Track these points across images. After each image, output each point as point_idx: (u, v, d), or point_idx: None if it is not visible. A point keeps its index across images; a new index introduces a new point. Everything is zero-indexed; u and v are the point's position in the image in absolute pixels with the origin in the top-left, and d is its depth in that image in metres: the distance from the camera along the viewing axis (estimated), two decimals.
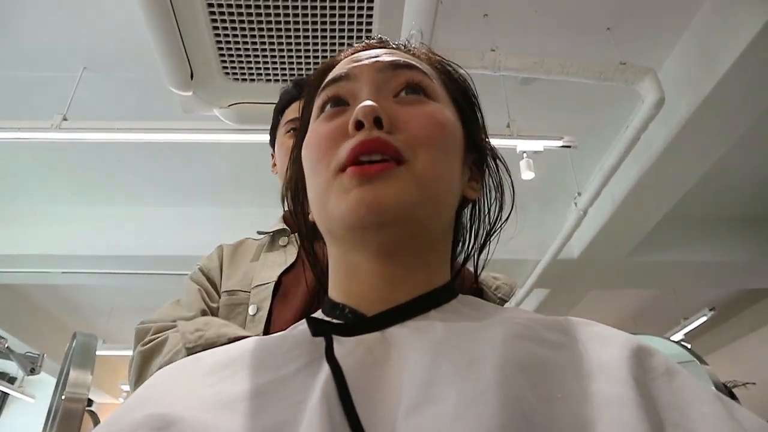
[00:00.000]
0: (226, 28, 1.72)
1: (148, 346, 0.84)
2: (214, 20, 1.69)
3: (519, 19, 2.52)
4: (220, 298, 0.96)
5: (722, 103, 2.51)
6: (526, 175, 2.53)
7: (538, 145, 2.47)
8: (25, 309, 5.36)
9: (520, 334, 0.41)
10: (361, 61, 0.54)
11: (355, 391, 0.37)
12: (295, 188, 0.62)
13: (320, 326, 0.45)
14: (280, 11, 1.68)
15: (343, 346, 0.43)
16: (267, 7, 1.67)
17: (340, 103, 0.53)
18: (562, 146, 2.46)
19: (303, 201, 0.60)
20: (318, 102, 0.55)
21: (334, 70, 0.56)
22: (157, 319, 0.90)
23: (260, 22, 1.71)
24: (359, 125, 0.48)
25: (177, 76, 1.79)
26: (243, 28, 1.72)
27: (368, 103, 0.48)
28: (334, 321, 0.49)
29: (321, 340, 0.43)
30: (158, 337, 0.84)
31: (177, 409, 0.37)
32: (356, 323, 0.46)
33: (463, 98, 0.59)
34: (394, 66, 0.53)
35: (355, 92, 0.52)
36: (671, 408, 0.35)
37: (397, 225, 0.46)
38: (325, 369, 0.40)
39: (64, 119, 2.37)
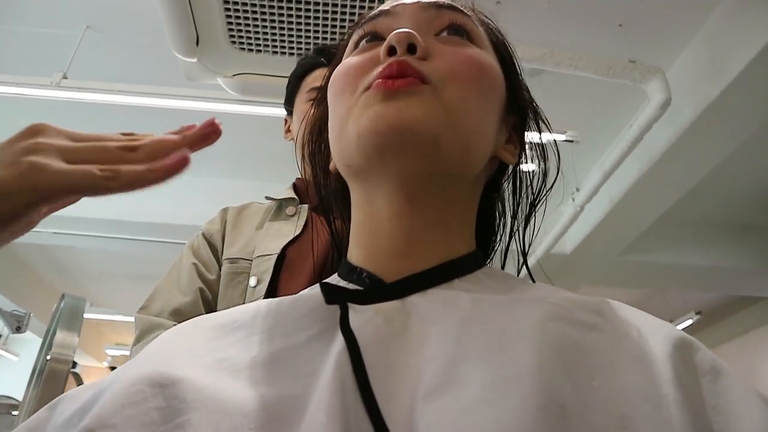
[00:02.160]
0: None
1: (139, 344, 0.87)
2: None
3: (531, 8, 2.49)
4: (221, 266, 0.95)
5: (728, 109, 2.49)
6: (526, 166, 2.52)
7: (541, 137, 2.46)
8: (13, 267, 5.34)
9: (556, 315, 0.37)
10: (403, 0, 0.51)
11: (371, 366, 0.34)
12: (318, 130, 0.58)
13: (335, 293, 0.41)
14: None
15: (359, 315, 0.39)
16: None
17: (376, 39, 0.49)
18: (565, 141, 2.45)
19: (324, 147, 0.56)
20: (353, 38, 0.52)
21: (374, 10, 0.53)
22: (154, 311, 0.91)
23: None
24: (391, 51, 0.44)
25: (182, 41, 1.76)
26: None
27: (404, 29, 0.44)
28: (350, 287, 0.45)
29: (336, 308, 0.40)
30: (154, 337, 0.86)
31: (182, 370, 0.34)
32: (374, 290, 0.43)
33: (508, 59, 0.55)
34: (438, 5, 0.50)
35: (393, 28, 0.47)
36: (716, 412, 0.32)
37: (418, 151, 0.42)
38: (340, 340, 0.36)
39: (64, 77, 2.34)
